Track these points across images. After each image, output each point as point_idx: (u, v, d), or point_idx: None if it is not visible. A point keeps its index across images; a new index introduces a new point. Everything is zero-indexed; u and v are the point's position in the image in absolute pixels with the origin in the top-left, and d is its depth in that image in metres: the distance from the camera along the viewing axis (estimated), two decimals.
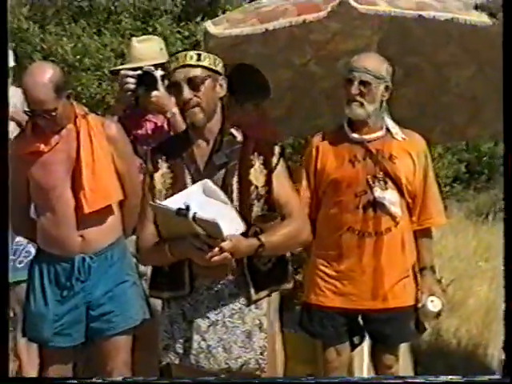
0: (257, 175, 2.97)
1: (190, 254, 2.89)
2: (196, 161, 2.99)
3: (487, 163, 11.58)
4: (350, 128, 3.56)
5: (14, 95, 4.30)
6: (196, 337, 2.97)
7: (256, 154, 2.99)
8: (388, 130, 3.57)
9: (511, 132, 2.81)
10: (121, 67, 4.15)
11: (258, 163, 2.98)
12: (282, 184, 2.99)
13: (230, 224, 2.86)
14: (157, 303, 3.32)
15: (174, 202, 2.84)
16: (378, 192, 3.49)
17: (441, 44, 4.49)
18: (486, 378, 3.13)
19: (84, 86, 7.67)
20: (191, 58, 2.95)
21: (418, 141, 3.65)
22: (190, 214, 2.77)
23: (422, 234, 3.62)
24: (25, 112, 3.44)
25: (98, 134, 3.46)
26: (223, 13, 7.88)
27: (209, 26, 4.03)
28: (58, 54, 7.83)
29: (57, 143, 3.43)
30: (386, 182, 3.50)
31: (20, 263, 4.27)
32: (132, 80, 3.87)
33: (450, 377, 2.89)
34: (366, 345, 3.74)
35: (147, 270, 3.82)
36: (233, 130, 3.03)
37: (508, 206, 2.78)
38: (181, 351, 3.00)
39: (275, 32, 3.96)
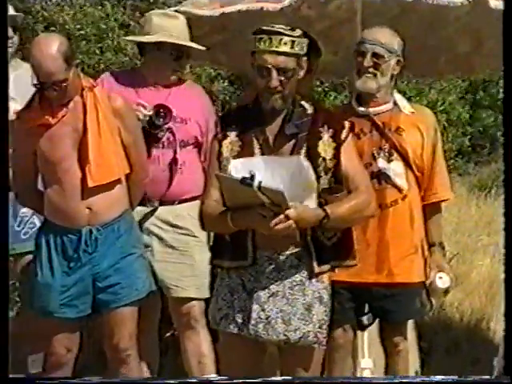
0: (325, 148, 2.99)
1: (252, 223, 2.90)
2: (265, 131, 3.01)
3: (490, 136, 11.56)
4: (358, 102, 3.55)
5: (20, 68, 4.32)
6: (255, 307, 2.97)
7: (326, 126, 3.01)
8: (395, 103, 3.56)
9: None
10: (138, 39, 3.98)
11: (326, 136, 3.00)
12: (350, 158, 3.02)
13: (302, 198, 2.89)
14: None
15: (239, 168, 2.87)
16: (381, 163, 3.48)
17: None
18: (486, 377, 3.15)
19: (85, 56, 7.64)
20: (285, 44, 2.93)
21: (427, 115, 3.65)
22: (255, 183, 2.77)
23: (431, 209, 3.60)
24: (34, 85, 3.42)
25: (104, 106, 3.45)
26: None
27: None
28: (57, 23, 7.79)
29: (64, 116, 3.42)
30: (391, 154, 3.49)
31: (25, 234, 4.28)
32: None
33: (451, 377, 2.91)
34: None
35: (152, 241, 3.85)
36: (303, 103, 3.03)
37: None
38: (240, 320, 3.00)
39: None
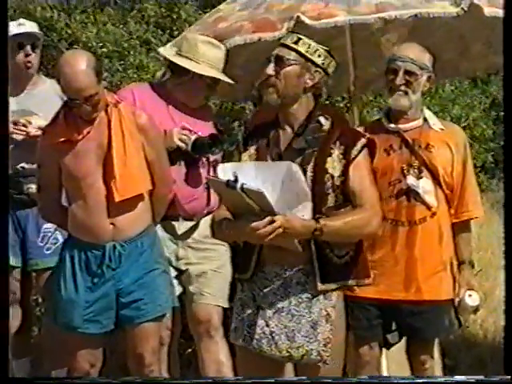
0: (334, 165, 2.95)
1: (243, 232, 2.85)
2: (279, 145, 3.01)
3: None
4: (388, 118, 3.56)
5: (43, 84, 4.36)
6: (260, 322, 2.97)
7: (338, 143, 2.97)
8: (425, 120, 3.56)
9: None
10: (189, 67, 3.87)
11: (337, 152, 2.97)
12: (359, 175, 2.97)
13: (297, 208, 2.86)
14: None
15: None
16: (410, 179, 3.47)
17: None
18: (487, 378, 3.13)
19: (108, 74, 7.68)
20: (291, 39, 3.01)
21: (457, 132, 3.64)
22: (238, 185, 2.76)
23: (461, 227, 3.58)
24: (65, 103, 3.44)
25: (129, 122, 3.46)
26: None
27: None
28: (81, 41, 7.85)
29: (88, 132, 3.43)
30: (420, 171, 3.48)
31: (48, 250, 4.30)
32: None
33: (473, 376, 2.89)
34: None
35: (187, 253, 3.88)
36: (321, 118, 3.02)
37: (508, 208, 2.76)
38: (247, 334, 3.00)
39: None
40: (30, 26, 4.37)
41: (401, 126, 3.52)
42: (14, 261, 4.23)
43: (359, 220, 2.94)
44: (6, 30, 2.92)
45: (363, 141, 3.01)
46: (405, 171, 3.48)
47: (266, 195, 2.75)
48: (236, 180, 2.76)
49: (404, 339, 3.62)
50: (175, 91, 3.91)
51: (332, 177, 2.94)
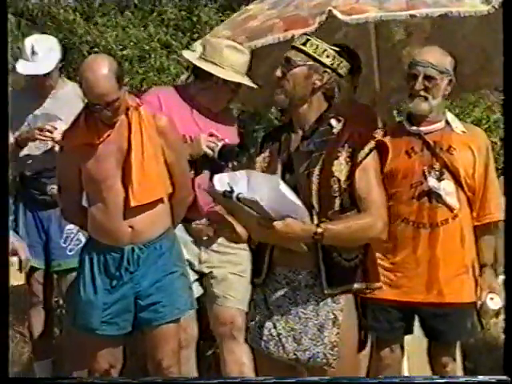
0: (341, 168, 2.91)
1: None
2: (289, 147, 3.01)
3: None
4: (409, 121, 3.55)
5: (65, 86, 4.39)
6: (268, 324, 2.98)
7: (346, 146, 2.93)
8: (447, 122, 3.55)
9: None
10: (215, 72, 3.86)
11: (344, 155, 2.93)
12: (365, 178, 2.92)
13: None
14: None
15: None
16: (432, 181, 3.46)
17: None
18: (487, 378, 3.12)
19: (128, 77, 7.73)
20: (300, 41, 3.00)
21: (479, 134, 3.63)
22: (234, 195, 2.77)
23: (483, 230, 3.57)
24: (87, 105, 3.46)
25: (149, 125, 3.46)
26: None
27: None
28: (100, 45, 7.89)
29: (109, 135, 3.44)
30: (442, 173, 3.47)
31: (70, 251, 4.34)
32: None
33: (495, 377, 2.87)
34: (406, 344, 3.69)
35: (210, 257, 3.91)
36: (332, 120, 2.99)
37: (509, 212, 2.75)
38: (257, 336, 3.02)
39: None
40: (43, 54, 4.25)
41: (422, 128, 3.52)
42: (36, 262, 4.27)
43: (363, 224, 2.90)
44: (5, 29, 2.92)
45: (372, 144, 2.95)
46: (426, 173, 3.48)
47: (260, 203, 2.76)
48: (232, 190, 2.78)
49: (426, 342, 3.61)
50: (199, 95, 3.91)
51: (338, 180, 2.91)
